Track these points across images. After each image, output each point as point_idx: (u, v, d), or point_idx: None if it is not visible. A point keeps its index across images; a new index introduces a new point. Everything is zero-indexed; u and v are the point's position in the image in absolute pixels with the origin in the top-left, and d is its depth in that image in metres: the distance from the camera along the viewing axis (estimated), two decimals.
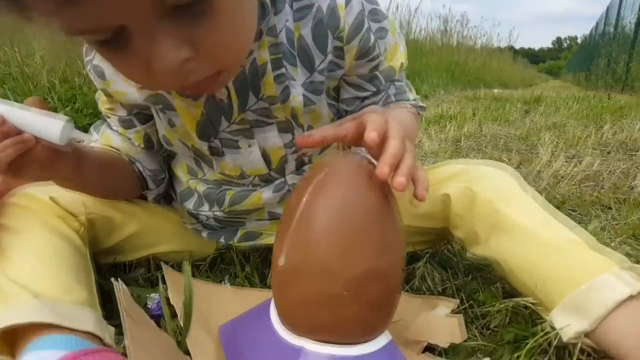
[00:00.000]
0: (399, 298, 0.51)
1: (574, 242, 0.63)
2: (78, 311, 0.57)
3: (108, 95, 0.71)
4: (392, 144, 0.47)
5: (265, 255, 0.85)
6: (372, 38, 0.66)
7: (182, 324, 0.59)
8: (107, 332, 0.57)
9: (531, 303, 0.64)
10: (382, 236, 0.47)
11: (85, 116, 1.75)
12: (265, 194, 0.75)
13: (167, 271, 0.73)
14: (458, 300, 0.70)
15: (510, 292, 0.72)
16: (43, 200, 0.71)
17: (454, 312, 0.69)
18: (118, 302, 0.46)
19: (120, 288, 0.49)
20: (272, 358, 0.49)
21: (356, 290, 0.46)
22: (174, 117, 0.68)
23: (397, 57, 0.72)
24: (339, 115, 0.74)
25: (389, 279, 0.48)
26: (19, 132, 0.53)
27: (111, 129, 0.76)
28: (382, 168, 0.45)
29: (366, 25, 0.65)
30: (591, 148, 1.94)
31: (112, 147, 0.75)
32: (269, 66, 0.64)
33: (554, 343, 0.59)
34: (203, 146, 0.70)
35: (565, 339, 0.58)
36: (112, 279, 0.48)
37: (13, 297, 0.56)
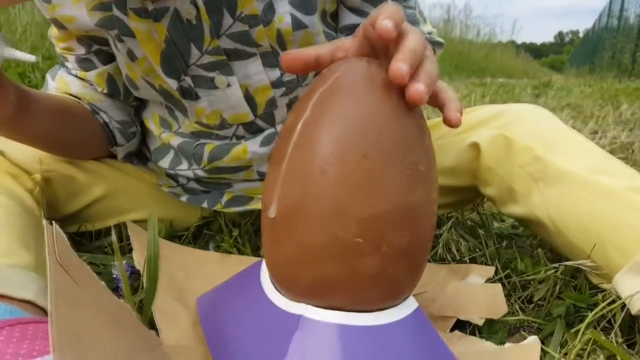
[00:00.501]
0: (429, 248, 0.38)
1: (638, 190, 0.50)
2: (17, 276, 0.45)
3: (59, 25, 0.58)
4: (411, 38, 0.34)
5: (259, 222, 0.72)
6: None
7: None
8: None
9: (587, 266, 0.52)
10: (410, 163, 0.34)
11: None
12: (252, 146, 0.62)
13: (133, 230, 0.60)
14: (493, 268, 0.58)
15: (555, 259, 0.60)
16: None
17: (489, 281, 0.56)
18: (47, 250, 0.33)
19: (53, 231, 0.36)
20: (263, 331, 0.37)
21: (375, 235, 0.33)
22: (135, 47, 0.56)
23: None
24: None
25: (419, 221, 0.35)
26: None
27: (70, 73, 0.63)
28: (397, 65, 0.31)
29: None
30: (613, 124, 1.81)
31: (70, 94, 0.63)
32: None
33: (620, 315, 0.47)
34: (172, 85, 0.57)
35: (634, 310, 0.45)
36: (44, 221, 0.35)
37: None
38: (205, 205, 0.68)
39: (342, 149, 0.33)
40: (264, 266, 0.41)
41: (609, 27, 12.43)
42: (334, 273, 0.34)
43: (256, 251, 0.67)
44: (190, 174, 0.66)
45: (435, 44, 0.62)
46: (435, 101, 0.38)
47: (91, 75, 0.62)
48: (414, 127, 0.36)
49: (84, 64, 0.62)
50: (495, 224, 0.76)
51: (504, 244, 0.67)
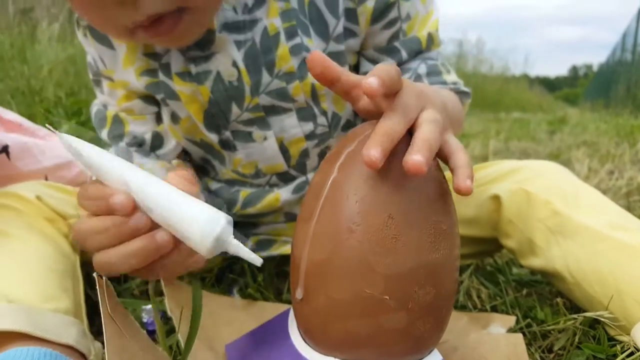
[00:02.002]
0: (452, 304, 0.39)
1: None
2: (58, 321, 0.47)
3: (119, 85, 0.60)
4: (400, 102, 0.36)
5: (281, 265, 0.74)
6: (392, 1, 0.56)
7: (182, 341, 0.48)
8: (93, 348, 0.48)
9: (606, 318, 0.52)
10: (433, 222, 0.36)
11: (91, 129, 1.69)
12: (284, 194, 0.64)
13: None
14: (515, 318, 0.59)
15: (574, 309, 0.60)
16: (29, 199, 0.62)
17: (510, 331, 0.57)
18: (100, 302, 0.36)
19: (103, 283, 0.38)
20: None
21: (401, 292, 0.35)
22: (178, 109, 0.58)
23: (426, 26, 0.60)
24: None
25: (443, 278, 0.36)
26: (153, 225, 0.36)
27: (146, 156, 0.62)
28: (369, 151, 0.32)
29: None
30: (629, 164, 1.81)
31: None
32: (282, 36, 0.54)
33: None
34: (213, 139, 0.60)
35: None
36: (95, 274, 0.37)
37: None
38: None
39: (368, 209, 0.35)
40: (291, 316, 0.43)
41: (623, 61, 12.45)
42: (362, 328, 0.35)
43: (278, 295, 0.68)
44: None
45: (461, 94, 0.62)
46: (447, 163, 0.39)
47: (166, 124, 0.62)
48: (436, 186, 0.38)
49: (154, 116, 0.62)
50: (515, 270, 0.77)
51: (524, 292, 0.67)
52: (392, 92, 0.36)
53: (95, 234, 0.35)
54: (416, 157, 0.32)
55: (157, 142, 0.62)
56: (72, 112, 1.73)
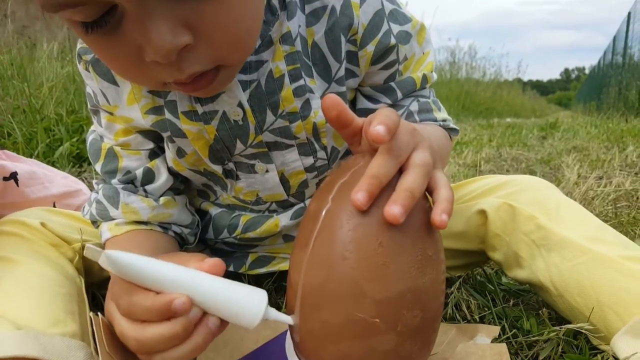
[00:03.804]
0: (439, 325, 0.42)
1: (633, 258, 0.55)
2: (66, 346, 0.50)
3: (119, 120, 0.61)
4: (394, 143, 0.40)
5: (280, 281, 0.77)
6: (392, 42, 0.58)
7: None
8: None
9: (587, 329, 0.55)
10: (419, 249, 0.39)
11: None
12: (283, 220, 0.67)
13: None
14: (499, 328, 0.62)
15: (558, 319, 0.63)
16: (34, 226, 0.65)
17: (495, 341, 0.60)
18: (97, 341, 0.38)
19: (100, 321, 0.41)
20: None
21: (391, 315, 0.38)
22: (184, 145, 0.60)
23: (420, 68, 0.63)
24: None
25: (429, 301, 0.40)
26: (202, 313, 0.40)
27: (134, 193, 0.63)
28: (356, 195, 0.37)
29: (385, 27, 0.57)
30: (618, 169, 1.85)
31: (140, 222, 0.63)
32: (287, 79, 0.56)
33: None
34: (217, 169, 0.62)
35: None
36: (91, 313, 0.40)
37: None
38: (231, 269, 0.73)
39: (360, 238, 0.38)
40: (289, 339, 0.46)
41: (614, 64, 12.56)
42: (355, 350, 0.38)
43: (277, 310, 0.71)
44: (217, 242, 0.70)
45: (450, 130, 0.66)
46: (431, 195, 0.43)
47: (160, 160, 0.63)
48: (423, 216, 0.41)
49: (151, 151, 0.63)
50: (504, 279, 0.80)
51: (511, 302, 0.70)
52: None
53: (166, 341, 0.39)
54: (395, 208, 0.37)
55: (149, 177, 0.63)
56: (74, 130, 1.75)
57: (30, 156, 1.57)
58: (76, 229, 0.67)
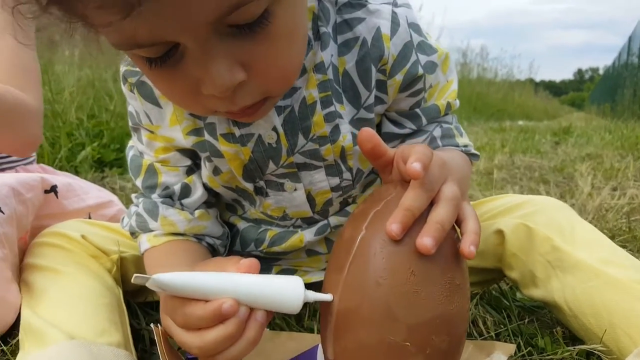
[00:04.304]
0: (463, 347, 0.45)
1: None
2: (114, 355, 0.54)
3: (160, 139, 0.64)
4: (426, 177, 0.44)
5: None
6: (419, 72, 0.61)
7: None
8: None
9: (599, 350, 0.58)
10: (448, 278, 0.42)
11: (113, 151, 1.76)
12: (308, 236, 0.70)
13: None
14: (515, 346, 0.64)
15: (572, 338, 0.66)
16: (75, 238, 0.69)
17: (510, 359, 0.63)
18: (159, 350, 0.42)
19: (160, 332, 0.45)
20: None
21: (421, 340, 0.41)
22: (221, 164, 0.63)
23: (445, 95, 0.66)
24: None
25: (456, 327, 0.43)
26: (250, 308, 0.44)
27: (172, 206, 0.65)
28: (391, 226, 0.42)
29: (413, 58, 0.60)
30: (632, 180, 1.86)
31: (177, 233, 0.66)
32: (319, 105, 0.59)
33: None
34: (248, 187, 0.65)
35: None
36: (152, 325, 0.45)
37: (50, 338, 0.54)
38: None
39: (393, 266, 0.42)
40: (320, 355, 0.49)
41: (629, 65, 12.45)
42: None
43: (299, 321, 0.75)
44: (243, 255, 0.74)
45: (471, 156, 0.69)
46: (459, 227, 0.46)
47: (197, 177, 0.67)
48: (452, 246, 0.44)
49: (188, 168, 0.66)
50: (519, 295, 0.82)
51: (527, 320, 0.73)
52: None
53: (224, 341, 0.43)
54: (427, 240, 0.41)
55: (185, 192, 0.66)
56: (94, 134, 1.79)
57: (54, 161, 1.61)
58: (114, 240, 0.71)
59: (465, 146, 0.67)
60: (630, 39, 13.36)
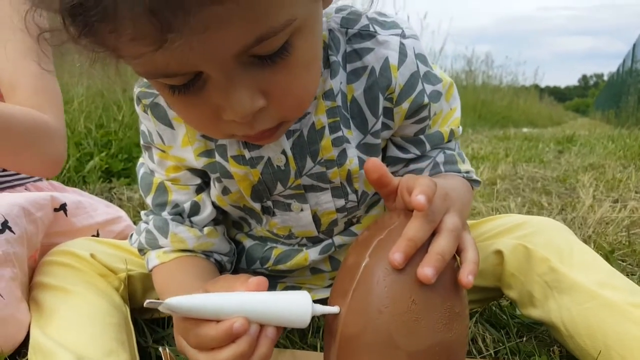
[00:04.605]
0: None
1: (639, 306, 0.58)
2: None
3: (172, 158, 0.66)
4: (416, 223, 0.46)
5: None
6: (425, 101, 0.63)
7: None
8: None
9: None
10: (448, 307, 0.44)
11: (121, 161, 1.78)
12: (312, 254, 0.72)
13: None
14: None
15: (569, 356, 0.67)
16: (84, 257, 0.70)
17: None
18: None
19: (168, 355, 0.47)
20: None
21: None
22: (230, 185, 0.65)
23: (448, 123, 0.68)
24: None
25: (455, 354, 0.44)
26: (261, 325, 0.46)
27: (181, 224, 0.67)
28: (394, 255, 0.44)
29: (419, 88, 0.62)
30: (634, 191, 1.87)
31: (186, 250, 0.67)
32: (327, 130, 0.61)
33: None
34: (256, 206, 0.67)
35: None
36: (160, 348, 0.46)
37: (58, 358, 0.56)
38: None
39: (395, 295, 0.43)
40: None
41: (634, 71, 12.43)
42: None
43: (303, 338, 0.76)
44: (249, 272, 0.75)
45: (472, 182, 0.70)
46: (459, 255, 0.48)
47: (205, 195, 0.69)
48: (452, 275, 0.46)
49: (198, 187, 0.68)
50: (517, 311, 0.84)
51: (524, 338, 0.75)
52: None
53: (237, 359, 0.44)
54: (427, 270, 0.43)
55: (195, 210, 0.68)
56: (102, 144, 1.81)
57: (62, 170, 1.63)
58: (121, 259, 0.73)
59: (467, 172, 0.69)
60: (634, 46, 13.36)
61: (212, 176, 0.65)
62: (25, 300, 0.64)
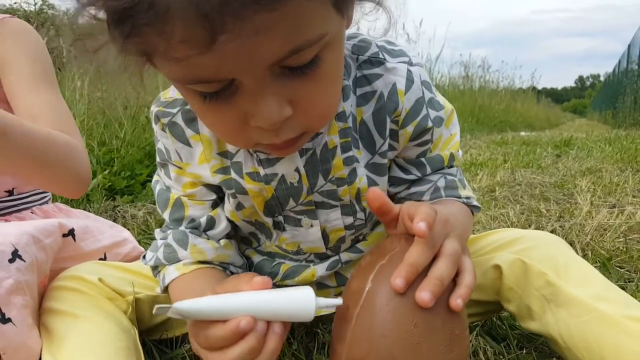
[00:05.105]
0: None
1: (634, 318, 0.60)
2: None
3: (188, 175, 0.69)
4: (418, 249, 0.48)
5: (310, 327, 0.83)
6: (428, 125, 0.66)
7: None
8: None
9: None
10: (449, 329, 0.46)
11: (123, 179, 1.79)
12: (319, 270, 0.74)
13: None
14: None
15: None
16: (92, 281, 0.72)
17: None
18: None
19: None
20: None
21: None
22: (245, 201, 0.68)
23: (448, 147, 0.71)
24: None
25: None
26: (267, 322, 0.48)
27: (199, 236, 0.69)
28: (395, 280, 0.46)
29: (424, 112, 0.65)
30: (630, 195, 1.89)
31: (205, 262, 0.69)
32: (339, 149, 0.64)
33: None
34: (268, 221, 0.70)
35: None
36: None
37: None
38: None
39: (398, 319, 0.45)
40: None
41: (629, 72, 12.49)
42: None
43: (308, 354, 0.78)
44: None
45: (472, 207, 0.73)
46: (457, 277, 0.51)
47: (220, 209, 0.71)
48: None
49: (213, 202, 0.71)
50: (518, 323, 0.85)
51: (524, 351, 0.76)
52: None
53: (247, 355, 0.46)
54: (425, 295, 0.45)
55: (211, 224, 0.70)
56: (105, 162, 1.83)
57: None
58: (129, 281, 0.75)
59: (468, 198, 0.71)
60: (629, 46, 13.42)
61: (227, 192, 0.68)
62: (36, 327, 0.66)
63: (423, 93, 0.65)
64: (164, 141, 0.68)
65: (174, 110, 0.65)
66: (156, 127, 0.68)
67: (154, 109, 0.67)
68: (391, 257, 0.49)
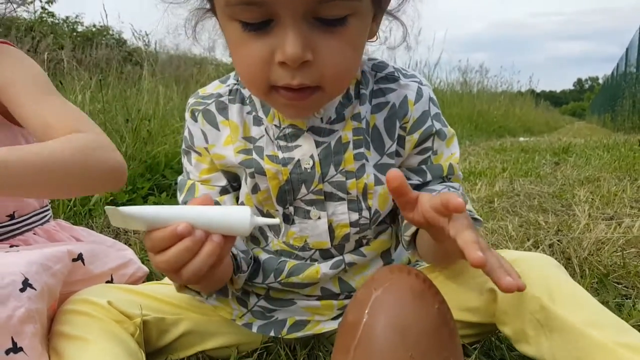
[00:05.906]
0: None
1: (625, 345, 0.61)
2: None
3: (210, 159, 0.76)
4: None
5: (312, 347, 0.85)
6: (433, 131, 0.74)
7: None
8: None
9: None
10: (445, 357, 0.48)
11: (125, 193, 1.81)
12: (323, 268, 0.78)
13: None
14: None
15: None
16: (101, 305, 0.74)
17: None
18: None
19: None
20: None
21: None
22: (261, 182, 0.74)
23: (448, 160, 0.77)
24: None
25: None
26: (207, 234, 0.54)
27: None
28: (502, 279, 0.53)
29: (429, 123, 0.75)
30: (629, 206, 1.90)
31: None
32: (351, 145, 0.72)
33: None
34: (278, 213, 0.75)
35: None
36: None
37: None
38: (272, 333, 0.82)
39: (394, 351, 0.47)
40: None
41: (628, 75, 12.52)
42: None
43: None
44: (263, 287, 0.80)
45: (475, 221, 0.74)
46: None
47: (228, 198, 0.78)
48: (446, 329, 0.50)
49: (223, 189, 0.78)
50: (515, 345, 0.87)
51: None
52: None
53: (183, 254, 0.53)
54: (511, 279, 0.53)
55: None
56: None
57: (68, 204, 1.67)
58: (136, 304, 0.77)
59: (470, 211, 0.73)
60: (627, 49, 13.47)
61: (247, 171, 0.74)
62: (46, 353, 0.67)
63: (429, 107, 0.75)
64: (191, 127, 0.77)
65: (209, 101, 0.76)
66: (187, 115, 0.77)
67: (191, 100, 0.77)
68: (385, 289, 0.51)
